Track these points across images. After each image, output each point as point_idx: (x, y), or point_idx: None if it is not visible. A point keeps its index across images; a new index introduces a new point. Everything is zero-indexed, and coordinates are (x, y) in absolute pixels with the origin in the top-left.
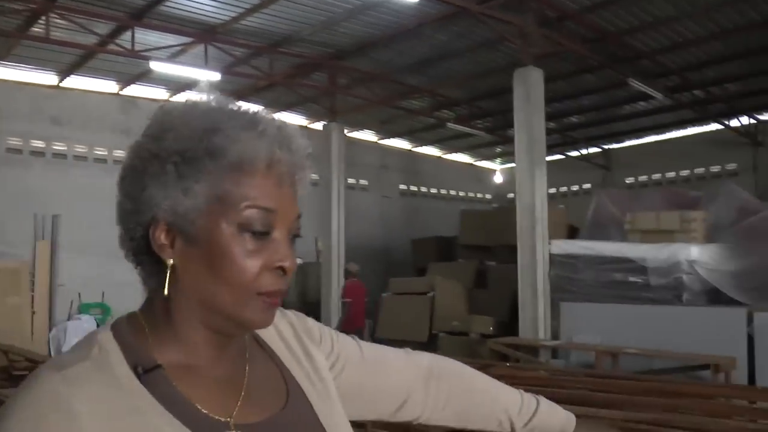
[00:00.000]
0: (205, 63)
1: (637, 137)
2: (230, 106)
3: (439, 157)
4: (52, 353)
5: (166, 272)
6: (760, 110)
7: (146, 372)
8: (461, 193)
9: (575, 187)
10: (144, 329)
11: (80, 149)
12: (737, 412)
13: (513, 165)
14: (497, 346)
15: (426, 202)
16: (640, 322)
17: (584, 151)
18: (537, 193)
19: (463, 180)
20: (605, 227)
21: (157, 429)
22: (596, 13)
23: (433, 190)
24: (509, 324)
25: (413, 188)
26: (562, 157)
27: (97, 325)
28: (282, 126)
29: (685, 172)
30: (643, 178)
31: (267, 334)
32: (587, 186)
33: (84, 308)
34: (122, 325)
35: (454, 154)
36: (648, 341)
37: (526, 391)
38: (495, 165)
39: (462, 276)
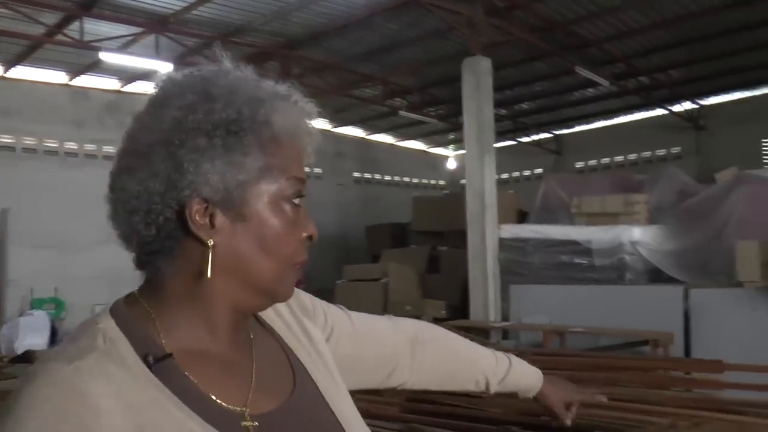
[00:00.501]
0: (157, 53)
1: (587, 123)
2: (255, 74)
3: (393, 144)
4: (3, 350)
5: (207, 253)
6: (702, 96)
7: (157, 362)
8: (415, 180)
9: (527, 172)
10: (149, 315)
11: (29, 141)
12: (674, 383)
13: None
14: (449, 328)
15: (381, 189)
16: (586, 301)
17: (536, 137)
18: (486, 179)
19: (417, 167)
20: (554, 211)
21: (179, 423)
22: (544, 3)
23: (388, 178)
24: (461, 307)
25: (368, 176)
26: (514, 143)
27: (51, 321)
28: (304, 97)
29: (632, 156)
30: (592, 162)
31: (266, 313)
32: (539, 171)
33: (36, 303)
34: (123, 311)
35: (407, 142)
36: (593, 320)
37: None
38: (448, 151)
39: (415, 261)
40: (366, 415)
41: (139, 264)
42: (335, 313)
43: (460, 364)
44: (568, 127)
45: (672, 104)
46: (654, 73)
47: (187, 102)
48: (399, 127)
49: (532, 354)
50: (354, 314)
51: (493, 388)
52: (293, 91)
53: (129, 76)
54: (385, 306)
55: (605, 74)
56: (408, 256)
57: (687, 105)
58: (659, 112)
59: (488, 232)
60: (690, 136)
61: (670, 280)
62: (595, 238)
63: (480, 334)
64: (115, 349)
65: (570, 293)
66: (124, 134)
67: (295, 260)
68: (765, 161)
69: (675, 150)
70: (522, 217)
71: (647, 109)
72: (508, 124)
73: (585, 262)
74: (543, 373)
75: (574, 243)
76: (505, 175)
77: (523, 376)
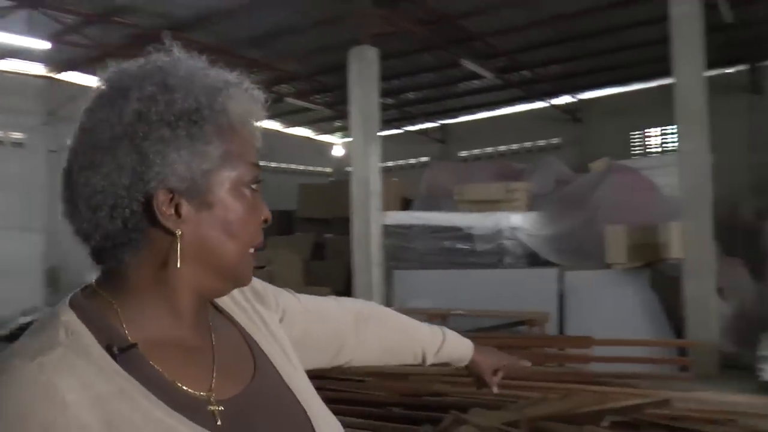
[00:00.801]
0: (29, 29)
1: (471, 113)
2: (205, 63)
3: (279, 131)
4: None
5: (176, 243)
6: (580, 90)
7: (121, 352)
8: (302, 167)
9: (413, 160)
10: (111, 306)
11: None
12: (549, 359)
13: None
14: None
15: (266, 176)
16: (468, 285)
17: (422, 126)
18: (371, 166)
19: (304, 154)
20: (438, 198)
21: (146, 412)
22: None
23: (274, 164)
24: (345, 293)
25: None
26: (400, 131)
27: None
28: (252, 84)
29: (514, 146)
30: (476, 151)
31: (222, 300)
32: (426, 159)
33: None
34: (83, 303)
35: (294, 128)
36: (475, 302)
37: None
38: (335, 139)
39: (300, 249)
40: None
41: (98, 257)
42: (285, 295)
43: (400, 339)
44: (454, 117)
45: (552, 97)
46: (535, 67)
47: (147, 93)
48: (286, 113)
49: None
50: (302, 296)
51: (429, 360)
52: (243, 78)
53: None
54: None
55: (489, 67)
56: (293, 243)
57: (566, 99)
58: (540, 104)
59: (373, 218)
60: (568, 127)
61: (546, 263)
62: (477, 224)
63: None
64: (78, 341)
65: (453, 277)
66: (77, 129)
67: (255, 243)
68: (634, 152)
69: (554, 141)
70: (407, 204)
71: (529, 102)
72: (395, 113)
73: (467, 247)
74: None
75: (457, 229)
76: (391, 163)
77: (456, 348)
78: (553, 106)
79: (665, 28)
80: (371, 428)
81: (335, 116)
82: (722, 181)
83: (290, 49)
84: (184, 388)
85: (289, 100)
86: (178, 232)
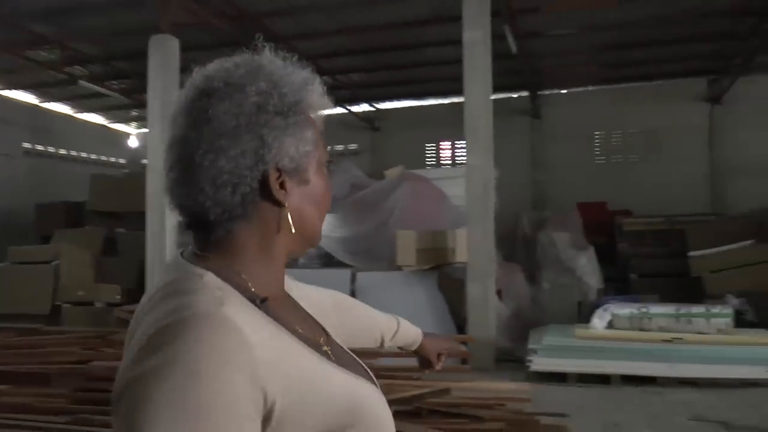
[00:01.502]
0: None
1: None
2: (282, 60)
3: (71, 115)
4: None
5: (285, 213)
6: (379, 100)
7: (262, 302)
8: (94, 156)
9: None
10: (231, 267)
11: None
12: None
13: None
14: (123, 313)
15: (55, 163)
16: None
17: None
18: None
19: (96, 142)
20: None
21: (297, 351)
22: None
23: (63, 151)
24: (138, 291)
25: (40, 148)
26: None
27: None
28: (302, 67)
29: None
30: None
31: None
32: None
33: None
34: (210, 266)
35: (86, 114)
36: None
37: None
38: (130, 129)
39: (90, 243)
40: (30, 410)
41: (206, 229)
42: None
43: (365, 324)
44: None
45: (352, 105)
46: (337, 74)
47: (262, 89)
48: (78, 97)
49: None
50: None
51: (387, 344)
52: (314, 74)
53: None
54: (54, 291)
55: None
56: (82, 237)
57: (365, 107)
58: (341, 110)
59: (168, 214)
60: (366, 135)
61: (339, 264)
62: None
63: None
64: (232, 296)
65: None
66: (192, 120)
67: (328, 213)
68: (427, 162)
69: (353, 147)
70: None
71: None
72: None
73: None
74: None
75: None
76: None
77: (408, 333)
78: (353, 113)
79: (459, 51)
80: None
81: (132, 105)
82: (506, 194)
83: (85, 28)
84: (304, 333)
85: (83, 83)
86: (286, 204)
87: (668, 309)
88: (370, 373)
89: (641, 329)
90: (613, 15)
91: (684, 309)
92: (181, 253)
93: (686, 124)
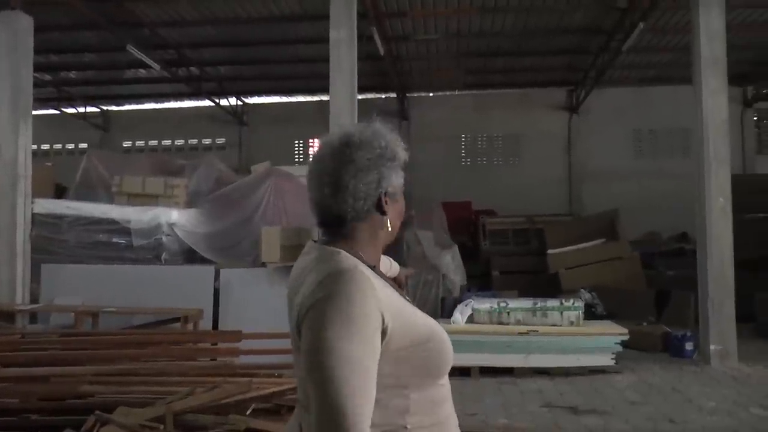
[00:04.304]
0: None
1: (138, 102)
2: (390, 130)
3: None
4: None
5: (386, 219)
6: (246, 94)
7: (373, 268)
8: None
9: (71, 146)
10: (352, 249)
11: None
12: (201, 354)
13: None
14: None
15: None
16: (123, 281)
17: (82, 110)
18: (21, 147)
19: None
20: (94, 189)
21: (398, 298)
22: None
23: None
24: None
25: None
26: (57, 112)
27: None
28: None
29: (180, 142)
30: (140, 143)
31: None
32: (84, 145)
33: None
34: (343, 249)
35: None
36: (130, 300)
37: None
38: None
39: None
40: None
41: (336, 226)
42: None
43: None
44: (118, 105)
45: (219, 98)
46: (204, 66)
47: (380, 145)
48: None
49: (60, 335)
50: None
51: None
52: (396, 132)
53: None
54: None
55: (157, 58)
56: None
57: (233, 101)
58: (208, 103)
59: (20, 205)
60: (234, 129)
61: (203, 260)
62: (135, 218)
63: (4, 318)
64: (359, 264)
65: (107, 273)
66: (339, 160)
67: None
68: (296, 159)
69: (220, 141)
70: (60, 193)
71: (196, 99)
72: (52, 92)
73: (123, 241)
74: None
75: (113, 222)
76: (45, 146)
77: (395, 267)
78: (220, 107)
79: (327, 49)
80: None
81: None
82: None
83: None
84: (397, 289)
85: None
86: (387, 214)
87: (525, 303)
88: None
89: (500, 323)
90: (476, 24)
91: (540, 303)
92: (314, 241)
93: (547, 130)
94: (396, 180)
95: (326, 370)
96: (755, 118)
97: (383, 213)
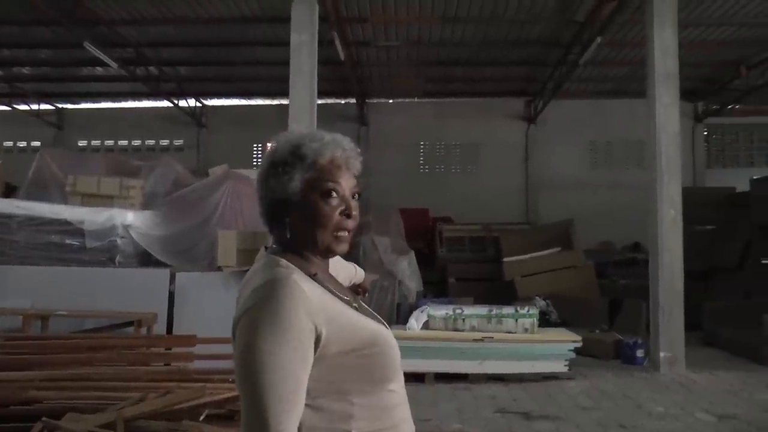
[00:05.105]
0: None
1: (94, 101)
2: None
3: None
4: None
5: (318, 220)
6: (206, 96)
7: (314, 276)
8: None
9: (23, 143)
10: (294, 258)
11: None
12: (155, 358)
13: None
14: None
15: None
16: (76, 284)
17: (35, 107)
18: None
19: None
20: (47, 188)
21: (341, 305)
22: None
23: None
24: None
25: None
26: (8, 109)
27: None
28: (335, 136)
29: (137, 142)
30: (96, 142)
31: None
32: (37, 144)
33: None
34: (281, 257)
35: None
36: (83, 303)
37: None
38: None
39: None
40: None
41: (277, 230)
42: None
43: (347, 275)
44: (74, 103)
45: (178, 99)
46: (163, 65)
47: (300, 146)
48: None
49: (6, 339)
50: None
51: (352, 282)
52: (324, 134)
53: None
54: None
55: (115, 56)
56: None
57: (192, 102)
58: (167, 104)
59: None
60: (192, 131)
61: (158, 263)
62: (89, 219)
63: None
64: (296, 270)
65: (59, 275)
66: (266, 164)
67: (334, 231)
68: (254, 162)
69: (178, 142)
70: (10, 192)
71: (155, 99)
72: (4, 87)
73: (76, 243)
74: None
75: (66, 223)
76: None
77: (359, 275)
78: (179, 108)
79: (287, 52)
80: None
81: None
82: None
83: None
84: (340, 295)
85: None
86: (320, 218)
87: (481, 310)
88: (386, 324)
89: (455, 330)
90: (437, 32)
91: (495, 310)
92: (265, 248)
93: (504, 140)
94: (328, 180)
95: (252, 377)
96: (705, 133)
97: (307, 216)
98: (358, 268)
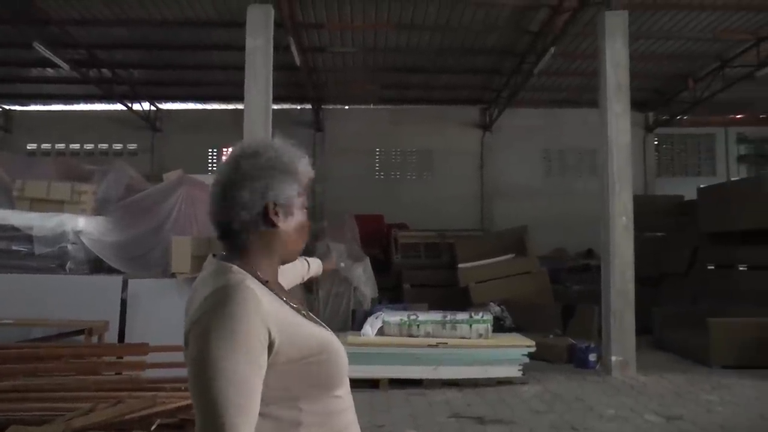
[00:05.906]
0: None
1: (44, 103)
2: (288, 144)
3: None
4: None
5: (279, 233)
6: (160, 99)
7: (265, 283)
8: None
9: None
10: (246, 264)
11: None
12: (106, 368)
13: None
14: None
15: None
16: (24, 291)
17: None
18: None
19: None
20: None
21: (286, 310)
22: None
23: None
24: None
25: None
26: None
27: None
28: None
29: (89, 146)
30: (46, 145)
31: None
32: None
33: None
34: (234, 264)
35: None
36: (31, 311)
37: None
38: None
39: None
40: None
41: (231, 238)
42: None
43: (296, 272)
44: (22, 105)
45: (132, 102)
46: (116, 68)
47: (269, 155)
48: None
49: None
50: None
51: (306, 278)
52: (301, 153)
53: None
54: None
55: (66, 58)
56: None
57: (146, 105)
58: (120, 107)
59: None
60: (146, 135)
61: (110, 270)
62: (38, 225)
63: None
64: (248, 277)
65: (5, 282)
66: (229, 171)
67: (304, 238)
68: (209, 167)
69: (131, 146)
70: None
71: (108, 102)
72: None
73: (25, 249)
74: None
75: (14, 229)
76: None
77: (313, 267)
78: (132, 111)
79: (243, 57)
80: None
81: None
82: None
83: None
84: (288, 301)
85: None
86: (279, 227)
87: (435, 316)
88: (330, 330)
89: (410, 335)
90: (393, 39)
91: (450, 316)
92: (213, 255)
93: (460, 147)
94: (289, 192)
95: (207, 384)
96: (656, 143)
97: (272, 225)
98: (309, 260)
